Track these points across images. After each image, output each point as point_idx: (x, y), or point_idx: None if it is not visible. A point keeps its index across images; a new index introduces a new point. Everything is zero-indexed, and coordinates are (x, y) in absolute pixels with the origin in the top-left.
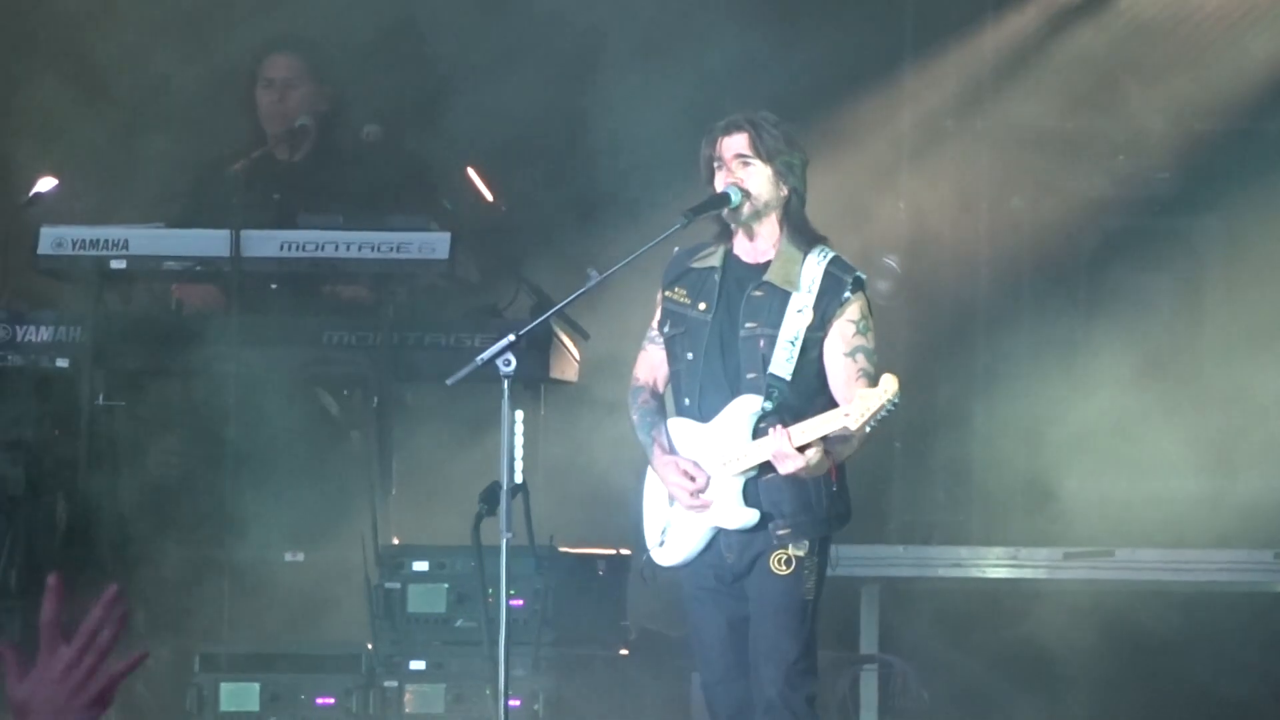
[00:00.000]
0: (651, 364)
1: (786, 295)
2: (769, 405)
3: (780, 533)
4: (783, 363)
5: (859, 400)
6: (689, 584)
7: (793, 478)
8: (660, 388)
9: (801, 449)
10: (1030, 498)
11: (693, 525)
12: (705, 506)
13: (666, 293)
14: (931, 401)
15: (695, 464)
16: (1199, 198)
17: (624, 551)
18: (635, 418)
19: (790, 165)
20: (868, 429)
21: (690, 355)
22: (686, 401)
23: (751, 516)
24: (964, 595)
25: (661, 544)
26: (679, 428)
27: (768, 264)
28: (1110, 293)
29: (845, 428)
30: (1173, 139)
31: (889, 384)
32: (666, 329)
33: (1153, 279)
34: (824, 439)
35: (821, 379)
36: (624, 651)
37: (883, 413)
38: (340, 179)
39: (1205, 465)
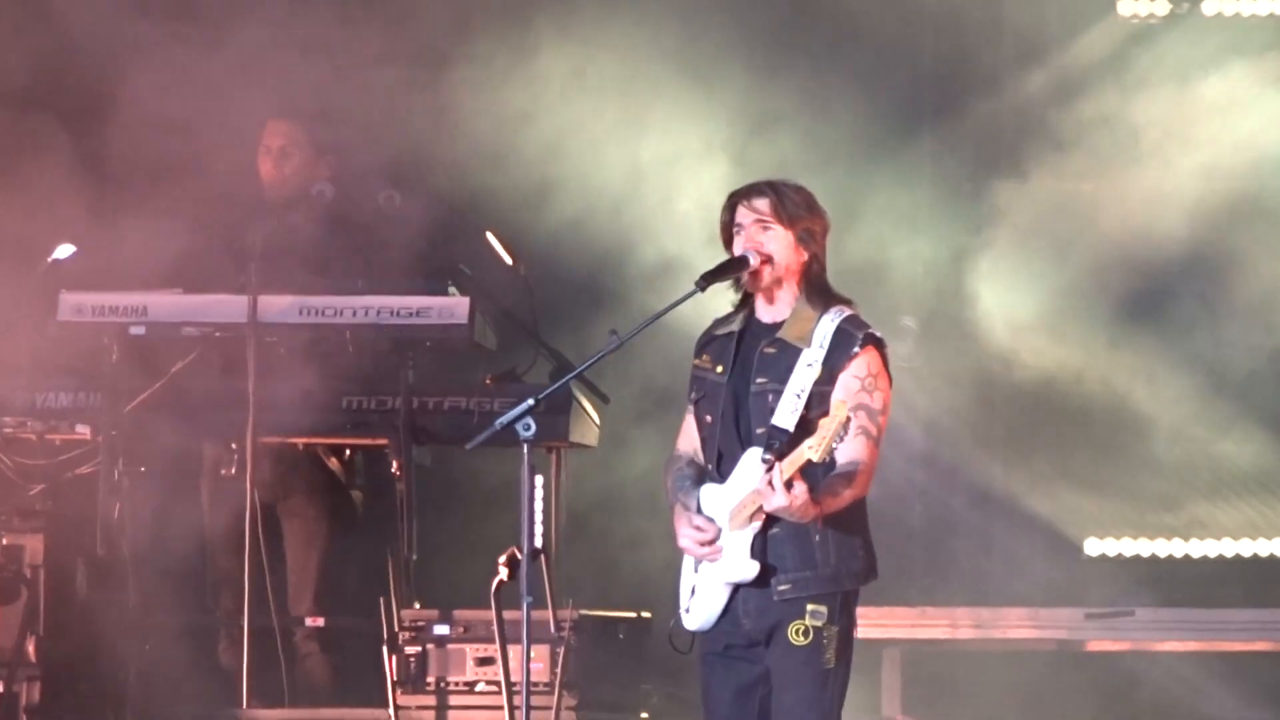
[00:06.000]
0: (689, 434)
1: (798, 351)
2: (768, 457)
3: (781, 588)
4: (786, 415)
5: (819, 430)
6: (702, 648)
7: (796, 533)
8: (699, 457)
9: (787, 486)
10: (1050, 558)
11: (712, 587)
12: (715, 555)
13: (695, 361)
14: (953, 464)
15: (708, 518)
16: (1218, 262)
17: (645, 615)
18: (668, 484)
19: (811, 231)
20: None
21: (709, 418)
22: (710, 465)
23: (753, 568)
24: (986, 656)
25: (688, 609)
26: (706, 492)
27: (784, 323)
28: (1130, 356)
29: (809, 460)
30: (1193, 201)
31: (839, 410)
32: (693, 395)
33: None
34: (811, 488)
35: None
36: (645, 715)
37: (837, 440)
38: (357, 245)
39: (1232, 528)
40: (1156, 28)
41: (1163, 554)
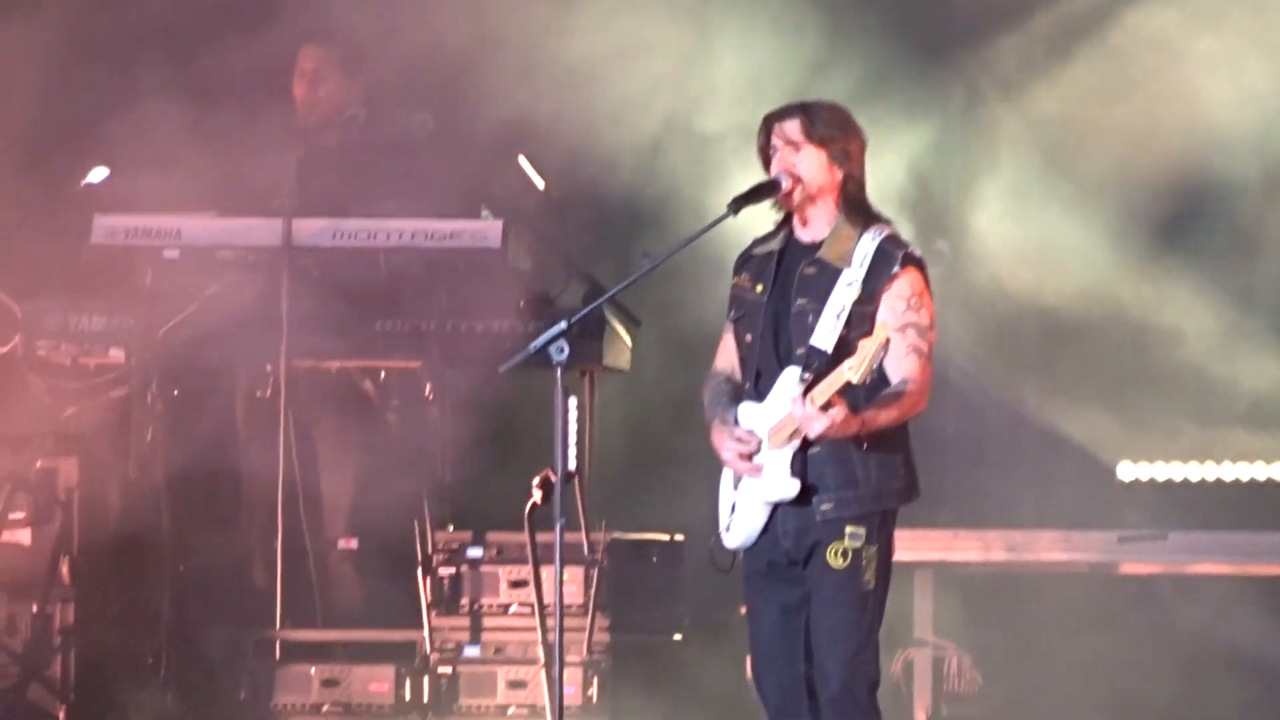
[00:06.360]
0: (728, 351)
1: (838, 271)
2: (807, 376)
3: (824, 507)
4: (825, 334)
5: (858, 352)
6: (746, 567)
7: (837, 451)
8: (737, 374)
9: (825, 409)
10: (1083, 481)
11: (752, 505)
12: (757, 470)
13: (734, 279)
14: (986, 388)
15: (749, 431)
16: (1252, 185)
17: (678, 537)
18: (706, 399)
19: (846, 151)
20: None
21: (749, 337)
22: (748, 384)
23: (793, 486)
24: (1018, 579)
25: (728, 527)
26: (744, 411)
27: (823, 242)
28: (1164, 279)
29: (849, 381)
30: (1229, 122)
31: (879, 332)
32: (732, 314)
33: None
34: (852, 403)
35: None
36: (678, 637)
37: (877, 361)
38: (390, 169)
39: (1266, 452)
40: None
41: (1195, 478)
